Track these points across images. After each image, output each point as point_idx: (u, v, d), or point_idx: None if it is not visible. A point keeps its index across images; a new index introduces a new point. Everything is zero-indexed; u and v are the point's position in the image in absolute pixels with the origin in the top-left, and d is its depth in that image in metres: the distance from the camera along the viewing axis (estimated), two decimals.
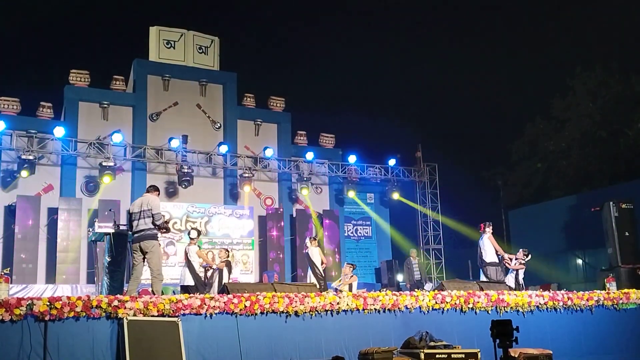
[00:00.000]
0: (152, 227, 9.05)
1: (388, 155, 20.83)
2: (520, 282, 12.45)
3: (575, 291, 10.21)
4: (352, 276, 13.32)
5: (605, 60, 27.20)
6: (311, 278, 13.56)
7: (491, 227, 12.91)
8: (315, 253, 13.94)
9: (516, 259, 12.70)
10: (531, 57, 31.52)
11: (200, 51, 19.68)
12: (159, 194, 9.53)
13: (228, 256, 13.52)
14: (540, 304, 9.66)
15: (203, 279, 12.88)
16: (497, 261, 12.58)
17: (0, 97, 16.80)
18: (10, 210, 16.24)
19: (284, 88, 23.46)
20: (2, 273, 8.12)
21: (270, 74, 29.99)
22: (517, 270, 12.55)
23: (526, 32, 32.92)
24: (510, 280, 12.41)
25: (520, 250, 12.93)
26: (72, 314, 6.84)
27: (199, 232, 13.81)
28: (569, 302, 9.87)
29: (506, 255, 12.77)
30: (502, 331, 5.13)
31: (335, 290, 11.90)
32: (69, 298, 6.94)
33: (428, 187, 21.04)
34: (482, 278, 12.32)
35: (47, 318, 6.71)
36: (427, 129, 29.70)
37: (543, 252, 21.96)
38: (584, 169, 27.50)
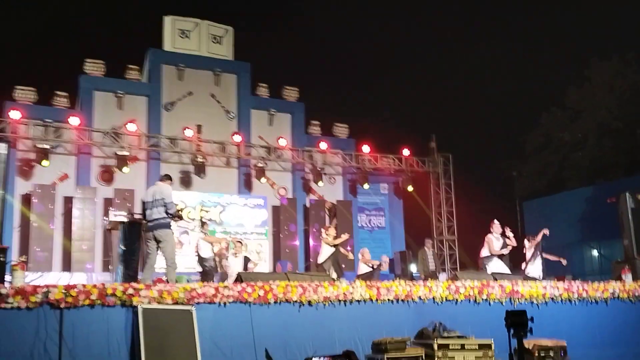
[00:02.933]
0: (166, 216, 9.10)
1: (402, 145, 20.76)
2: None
3: (590, 282, 10.14)
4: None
5: (621, 51, 26.89)
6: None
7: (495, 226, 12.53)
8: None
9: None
10: (547, 47, 31.22)
11: (215, 41, 19.69)
12: (171, 183, 9.57)
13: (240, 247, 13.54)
14: (554, 295, 9.61)
15: (215, 267, 12.90)
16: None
17: (17, 86, 16.93)
18: (27, 199, 16.39)
19: (298, 78, 23.40)
20: (19, 261, 8.19)
21: (284, 64, 29.96)
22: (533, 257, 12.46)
23: (542, 22, 32.62)
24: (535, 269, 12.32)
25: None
26: (87, 302, 6.89)
27: (203, 223, 13.80)
28: (584, 294, 9.81)
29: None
30: (517, 321, 5.10)
31: None
32: (84, 286, 6.99)
33: (442, 178, 20.95)
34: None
35: (62, 306, 6.76)
36: (441, 119, 29.57)
37: (558, 243, 21.77)
38: (599, 160, 27.25)
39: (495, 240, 12.04)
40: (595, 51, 27.63)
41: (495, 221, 12.23)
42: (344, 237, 13.17)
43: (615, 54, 27.04)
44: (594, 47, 28.00)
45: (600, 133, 27.21)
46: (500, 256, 12.08)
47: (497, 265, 11.80)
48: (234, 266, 13.04)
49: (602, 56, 27.37)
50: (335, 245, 12.64)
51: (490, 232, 12.16)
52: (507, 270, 11.78)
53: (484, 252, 12.12)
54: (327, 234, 12.82)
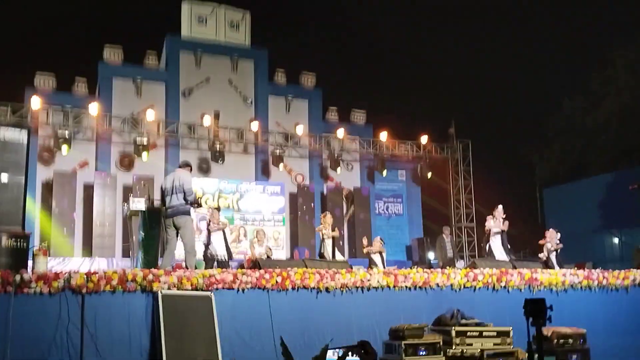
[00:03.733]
0: (184, 202, 9.13)
1: (420, 131, 20.64)
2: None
3: (610, 270, 10.04)
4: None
5: None
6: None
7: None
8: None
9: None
10: (569, 30, 30.73)
11: (232, 27, 19.67)
12: (191, 170, 9.59)
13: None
14: (574, 282, 9.53)
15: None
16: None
17: (37, 72, 17.08)
18: (48, 185, 16.58)
19: (315, 63, 23.32)
20: (41, 246, 8.29)
21: (302, 50, 29.82)
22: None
23: (563, 5, 32.08)
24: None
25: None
26: (108, 288, 6.97)
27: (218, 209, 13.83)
28: (604, 281, 9.71)
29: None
30: (536, 309, 5.05)
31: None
32: (105, 272, 7.07)
33: (461, 164, 20.81)
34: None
35: (84, 291, 6.85)
36: (460, 105, 29.32)
37: (578, 230, 21.60)
38: (622, 145, 26.85)
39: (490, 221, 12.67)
40: (618, 34, 27.17)
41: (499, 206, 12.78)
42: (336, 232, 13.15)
43: (638, 36, 26.54)
44: (617, 30, 27.53)
45: (623, 117, 26.79)
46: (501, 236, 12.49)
47: (494, 244, 12.37)
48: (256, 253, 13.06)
49: (625, 39, 26.90)
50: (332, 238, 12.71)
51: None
52: (500, 250, 12.29)
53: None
54: (323, 223, 12.82)
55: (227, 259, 12.07)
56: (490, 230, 12.60)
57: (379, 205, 20.80)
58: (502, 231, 12.52)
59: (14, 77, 18.46)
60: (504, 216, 12.68)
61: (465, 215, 20.62)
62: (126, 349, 6.96)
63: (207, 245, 12.35)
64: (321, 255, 12.47)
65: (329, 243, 12.62)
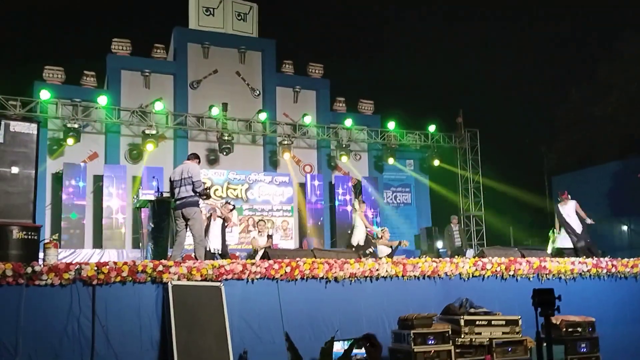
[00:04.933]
0: (193, 194, 9.19)
1: (428, 121, 20.59)
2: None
3: (619, 258, 10.02)
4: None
5: None
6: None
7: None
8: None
9: None
10: (576, 20, 30.47)
11: (239, 18, 19.66)
12: (199, 162, 9.64)
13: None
14: (583, 271, 9.51)
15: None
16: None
17: (46, 66, 17.15)
18: (57, 178, 16.69)
19: (323, 54, 23.26)
20: (52, 239, 8.37)
21: (309, 40, 29.74)
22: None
23: None
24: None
25: None
26: (118, 279, 7.03)
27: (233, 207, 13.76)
28: (613, 270, 9.69)
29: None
30: (544, 300, 5.07)
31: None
32: (115, 263, 7.12)
33: (469, 154, 20.77)
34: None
35: (94, 282, 6.91)
36: (468, 94, 29.16)
37: None
38: (630, 135, 26.68)
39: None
40: (627, 24, 26.90)
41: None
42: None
43: None
44: (625, 19, 27.27)
45: (631, 108, 26.60)
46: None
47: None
48: (260, 244, 13.12)
49: (633, 29, 26.64)
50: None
51: None
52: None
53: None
54: (359, 208, 12.86)
55: (219, 254, 11.96)
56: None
57: (387, 195, 20.81)
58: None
59: (23, 72, 18.58)
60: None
61: (473, 204, 20.59)
62: (137, 339, 7.02)
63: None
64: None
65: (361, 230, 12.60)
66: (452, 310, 7.99)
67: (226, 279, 7.55)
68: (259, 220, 14.12)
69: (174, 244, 9.39)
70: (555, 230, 13.62)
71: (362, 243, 12.49)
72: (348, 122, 19.30)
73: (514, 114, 29.76)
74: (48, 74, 17.08)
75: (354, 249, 12.02)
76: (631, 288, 9.79)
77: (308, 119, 18.92)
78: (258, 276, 7.72)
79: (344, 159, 19.36)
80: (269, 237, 13.50)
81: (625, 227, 22.75)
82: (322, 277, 8.04)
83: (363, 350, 7.25)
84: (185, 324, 7.00)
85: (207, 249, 11.61)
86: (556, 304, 5.12)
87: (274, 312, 7.69)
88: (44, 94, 16.03)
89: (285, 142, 18.68)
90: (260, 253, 12.11)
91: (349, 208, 18.37)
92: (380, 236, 13.46)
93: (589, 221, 12.45)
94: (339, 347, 7.06)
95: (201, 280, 7.41)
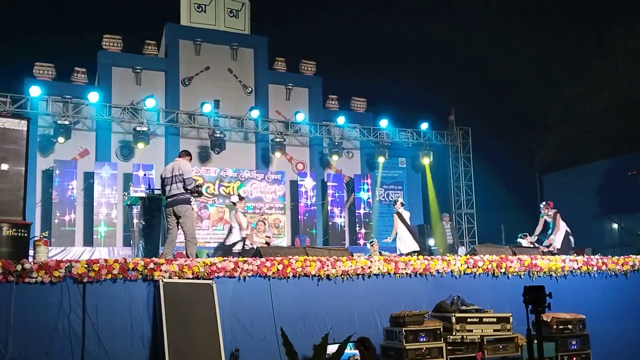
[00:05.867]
0: (184, 191, 9.16)
1: (420, 119, 20.64)
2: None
3: (610, 256, 10.07)
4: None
5: None
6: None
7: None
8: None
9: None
10: (569, 17, 30.59)
11: (231, 15, 19.60)
12: (190, 159, 9.61)
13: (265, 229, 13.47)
14: (573, 268, 9.54)
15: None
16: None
17: (36, 62, 17.04)
18: (48, 175, 16.60)
19: (315, 52, 23.25)
20: (41, 236, 8.31)
21: (301, 38, 29.72)
22: None
23: None
24: None
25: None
26: (109, 276, 6.98)
27: (241, 198, 13.57)
28: (604, 267, 9.73)
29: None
30: (535, 297, 5.09)
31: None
32: (106, 261, 7.08)
33: (461, 152, 20.83)
34: None
35: (85, 280, 6.87)
36: (460, 92, 29.24)
37: (578, 216, 21.60)
38: (622, 132, 26.81)
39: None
40: (618, 21, 27.02)
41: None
42: None
43: (639, 23, 26.39)
44: (618, 15, 27.39)
45: (623, 105, 26.73)
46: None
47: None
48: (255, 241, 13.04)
49: (626, 25, 26.76)
50: None
51: None
52: None
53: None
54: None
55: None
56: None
57: (379, 193, 20.83)
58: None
59: (13, 68, 18.48)
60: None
61: (465, 202, 20.66)
62: (128, 337, 6.99)
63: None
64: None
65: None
66: (443, 307, 8.00)
67: (218, 277, 7.52)
68: (259, 220, 14.01)
69: (165, 242, 9.36)
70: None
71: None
72: (340, 120, 19.29)
73: (506, 112, 29.88)
74: (38, 70, 16.98)
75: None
76: (621, 285, 9.83)
77: (300, 117, 18.90)
78: (250, 274, 7.70)
79: (336, 157, 19.35)
80: (268, 237, 13.31)
81: (615, 225, 22.89)
82: (315, 275, 8.03)
83: (356, 351, 7.29)
84: (177, 322, 6.97)
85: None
86: (547, 301, 5.14)
87: (265, 310, 7.68)
88: (34, 91, 15.93)
89: (278, 140, 18.64)
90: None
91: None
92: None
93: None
94: (332, 350, 7.05)
95: (193, 278, 7.38)
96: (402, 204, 13.61)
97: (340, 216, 18.97)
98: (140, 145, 17.02)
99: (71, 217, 16.15)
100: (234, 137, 18.80)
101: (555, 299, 5.43)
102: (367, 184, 19.50)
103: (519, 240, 13.75)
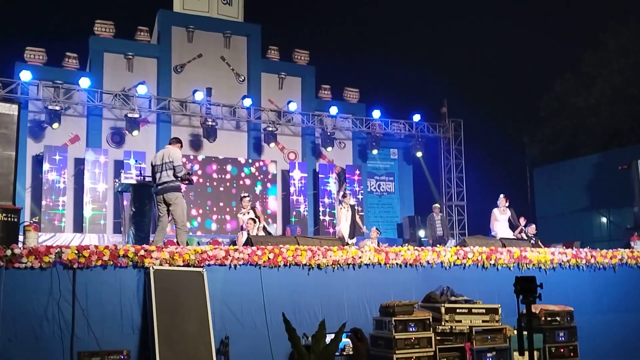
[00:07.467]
0: (175, 179, 9.15)
1: (413, 110, 20.65)
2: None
3: (598, 249, 10.15)
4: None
5: (639, 14, 26.29)
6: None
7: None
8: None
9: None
10: (562, 10, 30.59)
11: (225, 2, 19.47)
12: (181, 146, 9.59)
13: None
14: (562, 261, 9.62)
15: None
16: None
17: (27, 47, 16.88)
18: (38, 160, 16.49)
19: (309, 41, 23.15)
20: (32, 222, 8.28)
21: (295, 26, 29.57)
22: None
23: None
24: None
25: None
26: (99, 263, 6.98)
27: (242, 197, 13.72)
28: (592, 260, 9.82)
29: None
30: (526, 288, 5.10)
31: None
32: (96, 247, 7.07)
33: (453, 143, 20.88)
34: None
35: (75, 266, 6.85)
36: (453, 85, 29.21)
37: (567, 209, 21.78)
38: (613, 126, 26.92)
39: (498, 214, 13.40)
40: (612, 15, 27.04)
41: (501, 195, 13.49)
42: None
43: (633, 17, 26.44)
44: (611, 9, 27.40)
45: (614, 99, 26.81)
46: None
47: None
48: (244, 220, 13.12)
49: (619, 20, 26.79)
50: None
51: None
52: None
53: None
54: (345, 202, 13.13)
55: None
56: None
57: (370, 184, 20.86)
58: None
59: (4, 52, 18.24)
60: (507, 204, 13.10)
61: (456, 194, 20.73)
62: (118, 324, 6.99)
63: None
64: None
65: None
66: (433, 298, 8.05)
67: (209, 265, 7.53)
68: (242, 197, 13.98)
69: (156, 229, 9.35)
70: None
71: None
72: (333, 110, 19.26)
73: (497, 105, 29.89)
74: (29, 54, 16.82)
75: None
76: (609, 278, 9.93)
77: (293, 106, 18.85)
78: (241, 262, 7.71)
79: (329, 147, 19.34)
80: (264, 226, 13.38)
81: (604, 219, 23.03)
82: (305, 264, 8.05)
83: (349, 340, 7.29)
84: (167, 309, 6.98)
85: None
86: (538, 292, 5.16)
87: (256, 298, 7.70)
88: (25, 75, 15.80)
89: (270, 129, 18.59)
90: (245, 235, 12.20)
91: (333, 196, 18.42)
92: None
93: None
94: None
95: (183, 266, 7.39)
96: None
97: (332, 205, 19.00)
98: (132, 132, 16.92)
99: (61, 203, 16.07)
100: (225, 126, 18.74)
101: (544, 291, 5.45)
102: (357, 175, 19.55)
103: (526, 229, 13.97)
